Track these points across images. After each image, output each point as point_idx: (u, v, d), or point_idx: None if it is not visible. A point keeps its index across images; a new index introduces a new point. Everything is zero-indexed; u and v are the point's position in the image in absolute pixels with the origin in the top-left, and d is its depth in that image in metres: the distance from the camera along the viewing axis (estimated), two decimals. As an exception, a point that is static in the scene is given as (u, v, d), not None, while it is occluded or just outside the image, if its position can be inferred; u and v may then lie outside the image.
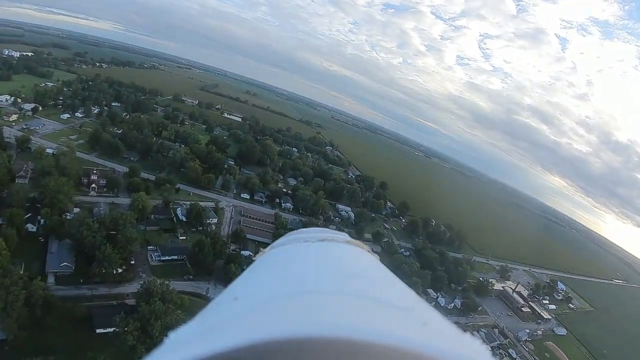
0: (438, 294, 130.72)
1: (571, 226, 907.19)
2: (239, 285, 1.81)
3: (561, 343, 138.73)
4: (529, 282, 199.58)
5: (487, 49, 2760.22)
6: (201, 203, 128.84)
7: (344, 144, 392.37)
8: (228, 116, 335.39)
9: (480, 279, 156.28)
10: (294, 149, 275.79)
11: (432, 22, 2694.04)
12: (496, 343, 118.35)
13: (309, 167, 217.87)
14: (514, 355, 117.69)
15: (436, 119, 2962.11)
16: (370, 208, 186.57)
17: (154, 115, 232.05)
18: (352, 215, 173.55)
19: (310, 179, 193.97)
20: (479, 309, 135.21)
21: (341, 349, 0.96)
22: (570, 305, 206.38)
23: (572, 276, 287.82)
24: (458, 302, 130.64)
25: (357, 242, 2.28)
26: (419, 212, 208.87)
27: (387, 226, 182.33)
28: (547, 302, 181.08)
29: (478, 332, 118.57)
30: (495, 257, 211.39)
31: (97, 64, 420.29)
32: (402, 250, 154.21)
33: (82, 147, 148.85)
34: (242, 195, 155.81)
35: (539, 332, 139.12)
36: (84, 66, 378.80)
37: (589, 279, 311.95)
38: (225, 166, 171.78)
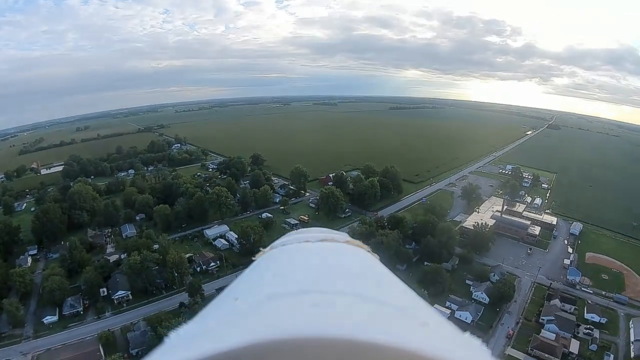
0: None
1: (447, 104, 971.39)
2: (239, 285, 1.79)
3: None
4: (491, 185, 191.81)
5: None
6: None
7: (194, 134, 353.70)
8: (47, 171, 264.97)
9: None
10: (129, 171, 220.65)
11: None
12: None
13: (148, 190, 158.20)
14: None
15: (281, 68, 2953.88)
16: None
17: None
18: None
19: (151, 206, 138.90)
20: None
21: (341, 349, 0.96)
22: (543, 185, 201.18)
23: (502, 153, 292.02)
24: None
25: (357, 242, 2.28)
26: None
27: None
28: (530, 198, 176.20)
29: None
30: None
31: None
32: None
33: None
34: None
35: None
36: None
37: (509, 147, 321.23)
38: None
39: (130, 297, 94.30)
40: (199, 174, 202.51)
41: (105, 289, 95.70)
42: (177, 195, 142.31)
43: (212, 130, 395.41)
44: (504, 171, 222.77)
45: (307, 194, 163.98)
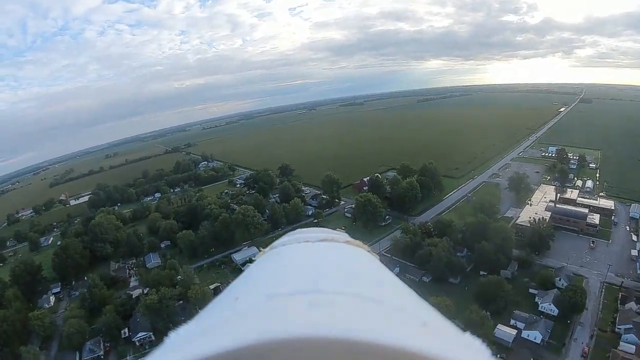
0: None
1: (474, 91, 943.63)
2: (239, 285, 1.78)
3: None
4: (537, 171, 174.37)
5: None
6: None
7: (221, 150, 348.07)
8: (75, 201, 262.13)
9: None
10: (155, 195, 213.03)
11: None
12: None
13: (173, 214, 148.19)
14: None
15: (302, 74, 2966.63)
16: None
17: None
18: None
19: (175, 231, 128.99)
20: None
21: (341, 349, 0.95)
22: (590, 165, 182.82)
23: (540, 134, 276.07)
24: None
25: (357, 242, 2.28)
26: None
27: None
28: (580, 181, 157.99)
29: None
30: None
31: None
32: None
33: None
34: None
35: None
36: None
37: (546, 127, 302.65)
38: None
39: (153, 337, 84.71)
40: (226, 191, 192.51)
41: (126, 330, 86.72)
42: (202, 218, 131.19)
43: (239, 144, 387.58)
44: (547, 154, 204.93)
45: (342, 202, 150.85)
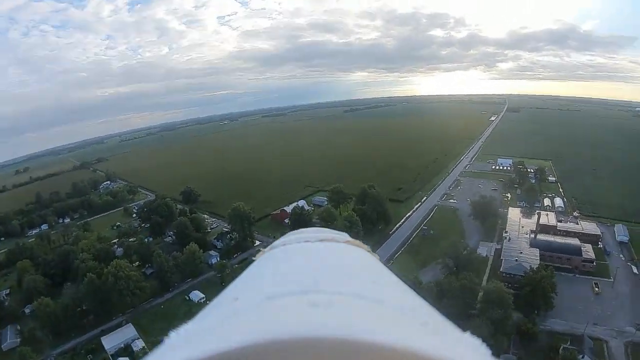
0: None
1: (399, 101, 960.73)
2: (239, 285, 1.77)
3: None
4: (494, 189, 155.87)
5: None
6: None
7: (130, 165, 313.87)
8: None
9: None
10: (42, 226, 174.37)
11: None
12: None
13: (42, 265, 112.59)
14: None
15: (229, 84, 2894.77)
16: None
17: None
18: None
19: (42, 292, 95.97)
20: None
21: (341, 349, 0.94)
22: (549, 178, 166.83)
23: (479, 145, 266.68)
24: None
25: (357, 242, 2.26)
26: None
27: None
28: (548, 200, 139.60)
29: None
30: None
31: None
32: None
33: None
34: None
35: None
36: None
37: (483, 137, 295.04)
38: None
39: None
40: (118, 224, 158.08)
41: None
42: (73, 272, 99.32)
43: (150, 159, 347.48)
44: (497, 167, 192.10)
45: (256, 242, 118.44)
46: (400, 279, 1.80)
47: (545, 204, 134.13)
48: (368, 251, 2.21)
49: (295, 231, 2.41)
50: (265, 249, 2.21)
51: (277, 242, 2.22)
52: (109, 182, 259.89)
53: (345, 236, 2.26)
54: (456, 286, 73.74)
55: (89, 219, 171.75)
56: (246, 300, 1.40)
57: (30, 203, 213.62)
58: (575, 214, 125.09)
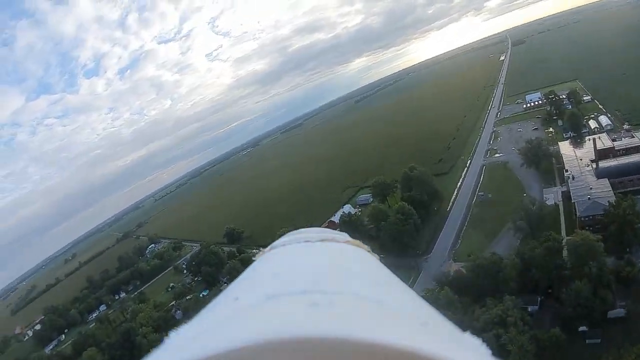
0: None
1: (405, 74, 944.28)
2: (239, 285, 1.77)
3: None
4: (535, 128, 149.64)
5: (218, 26, 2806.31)
6: None
7: (169, 222, 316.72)
8: (31, 332, 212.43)
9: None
10: (100, 308, 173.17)
11: (163, 49, 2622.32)
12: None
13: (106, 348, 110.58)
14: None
15: (237, 114, 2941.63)
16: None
17: None
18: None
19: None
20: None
21: (341, 349, 0.94)
22: (584, 98, 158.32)
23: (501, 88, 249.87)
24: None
25: (358, 242, 2.25)
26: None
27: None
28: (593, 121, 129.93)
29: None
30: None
31: None
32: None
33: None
34: None
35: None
36: None
37: (501, 80, 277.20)
38: None
39: None
40: (172, 285, 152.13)
41: None
42: (140, 349, 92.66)
43: (187, 209, 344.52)
44: (529, 104, 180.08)
45: None
46: (401, 279, 1.78)
47: (592, 127, 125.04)
48: (368, 251, 2.20)
49: (296, 231, 2.40)
50: (266, 249, 2.21)
51: (277, 242, 2.21)
52: (153, 244, 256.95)
53: (345, 236, 2.26)
54: (540, 252, 64.02)
55: (142, 288, 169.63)
56: (246, 300, 1.40)
57: (84, 288, 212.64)
58: (625, 126, 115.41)
